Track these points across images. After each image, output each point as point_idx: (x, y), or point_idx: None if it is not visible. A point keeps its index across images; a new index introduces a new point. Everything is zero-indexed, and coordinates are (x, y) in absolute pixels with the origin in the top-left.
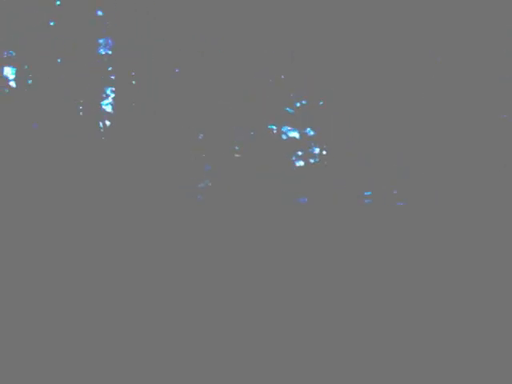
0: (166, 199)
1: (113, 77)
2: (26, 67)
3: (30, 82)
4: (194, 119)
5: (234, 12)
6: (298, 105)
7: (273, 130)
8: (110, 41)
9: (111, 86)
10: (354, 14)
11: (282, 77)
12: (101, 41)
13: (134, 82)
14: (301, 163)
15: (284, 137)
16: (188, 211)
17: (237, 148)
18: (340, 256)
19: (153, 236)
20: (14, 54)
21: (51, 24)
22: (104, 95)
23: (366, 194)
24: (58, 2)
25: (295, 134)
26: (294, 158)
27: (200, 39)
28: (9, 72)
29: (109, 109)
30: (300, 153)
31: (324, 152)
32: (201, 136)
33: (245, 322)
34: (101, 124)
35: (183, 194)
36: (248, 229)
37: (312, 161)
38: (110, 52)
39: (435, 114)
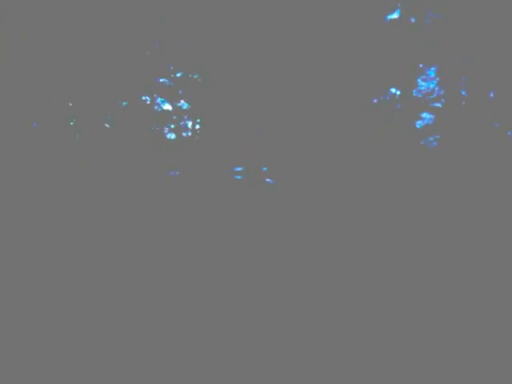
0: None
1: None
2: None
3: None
4: (63, 87)
5: None
6: (173, 76)
7: (146, 101)
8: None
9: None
10: None
11: (157, 47)
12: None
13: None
14: (172, 136)
15: (157, 108)
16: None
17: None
18: (211, 231)
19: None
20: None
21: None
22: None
23: (236, 169)
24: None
25: (168, 107)
26: (166, 131)
27: None
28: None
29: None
30: (172, 126)
31: (197, 126)
32: (71, 104)
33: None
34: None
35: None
36: (122, 200)
37: (184, 134)
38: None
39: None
